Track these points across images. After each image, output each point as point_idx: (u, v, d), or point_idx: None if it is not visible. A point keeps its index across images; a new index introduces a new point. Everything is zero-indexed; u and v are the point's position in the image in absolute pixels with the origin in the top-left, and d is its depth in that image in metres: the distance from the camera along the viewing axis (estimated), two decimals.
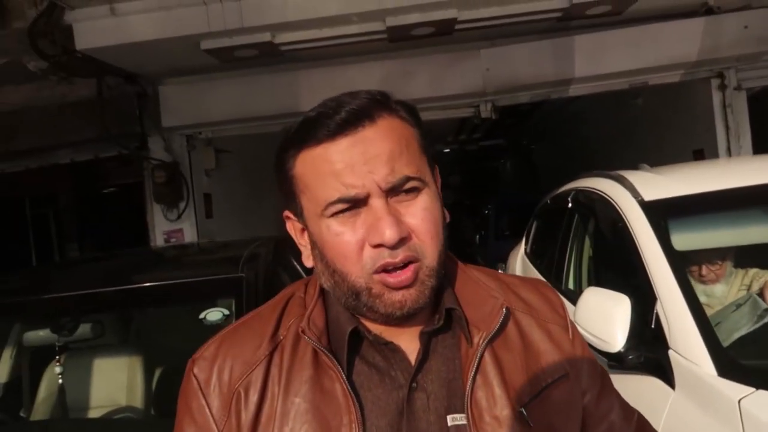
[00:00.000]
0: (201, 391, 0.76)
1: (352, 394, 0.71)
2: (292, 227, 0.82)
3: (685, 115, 5.88)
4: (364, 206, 0.71)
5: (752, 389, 1.40)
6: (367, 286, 0.72)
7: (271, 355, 0.76)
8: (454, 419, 0.73)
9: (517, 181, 15.90)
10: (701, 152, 5.54)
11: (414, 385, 0.74)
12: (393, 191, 0.71)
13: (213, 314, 1.89)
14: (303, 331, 0.75)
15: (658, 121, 6.43)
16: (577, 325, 1.91)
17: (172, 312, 2.42)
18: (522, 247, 4.10)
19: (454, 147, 13.54)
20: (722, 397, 1.44)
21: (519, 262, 4.03)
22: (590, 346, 1.88)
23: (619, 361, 1.76)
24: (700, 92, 5.53)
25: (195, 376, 0.77)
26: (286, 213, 0.81)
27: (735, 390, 1.42)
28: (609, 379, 0.88)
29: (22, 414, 2.26)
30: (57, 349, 2.10)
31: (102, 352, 2.35)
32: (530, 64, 5.16)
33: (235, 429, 0.73)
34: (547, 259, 3.36)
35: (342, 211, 0.71)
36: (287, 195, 0.78)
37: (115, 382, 2.29)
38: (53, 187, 8.63)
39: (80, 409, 2.27)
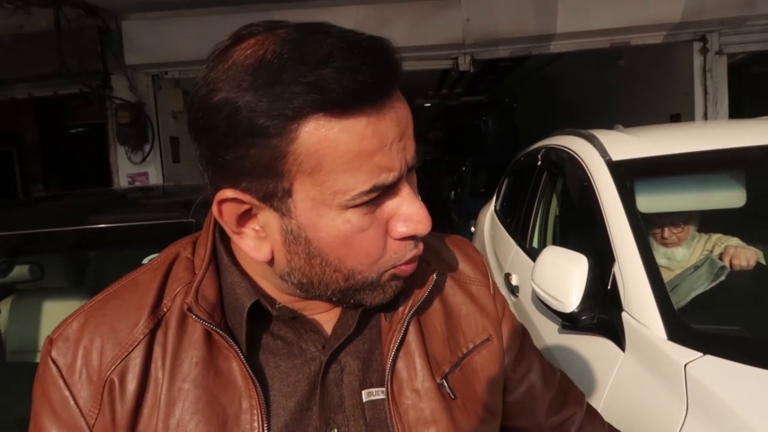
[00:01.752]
0: (63, 379, 0.61)
1: (252, 376, 0.60)
2: (230, 210, 0.57)
3: (664, 78, 5.82)
4: (390, 192, 0.57)
5: (699, 354, 1.37)
6: (376, 281, 0.60)
7: (152, 333, 0.62)
8: (369, 394, 0.64)
9: (498, 140, 15.82)
10: (678, 116, 5.51)
11: (327, 357, 0.64)
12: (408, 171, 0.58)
13: None
14: (190, 309, 0.61)
15: (637, 84, 6.37)
16: (533, 284, 1.87)
17: (118, 256, 2.32)
18: (492, 205, 4.05)
19: (435, 102, 13.30)
20: (669, 361, 1.42)
21: (488, 220, 3.99)
22: (545, 305, 1.86)
23: (572, 322, 1.73)
24: (681, 56, 5.46)
25: (54, 361, 0.62)
26: (229, 192, 0.56)
27: (682, 354, 1.40)
28: (530, 339, 0.83)
29: None
30: None
31: (50, 295, 2.24)
32: (512, 17, 5.02)
33: (110, 423, 0.60)
34: (515, 216, 3.32)
35: (370, 201, 0.55)
36: (254, 169, 0.53)
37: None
38: (16, 124, 8.30)
39: (23, 352, 2.19)
